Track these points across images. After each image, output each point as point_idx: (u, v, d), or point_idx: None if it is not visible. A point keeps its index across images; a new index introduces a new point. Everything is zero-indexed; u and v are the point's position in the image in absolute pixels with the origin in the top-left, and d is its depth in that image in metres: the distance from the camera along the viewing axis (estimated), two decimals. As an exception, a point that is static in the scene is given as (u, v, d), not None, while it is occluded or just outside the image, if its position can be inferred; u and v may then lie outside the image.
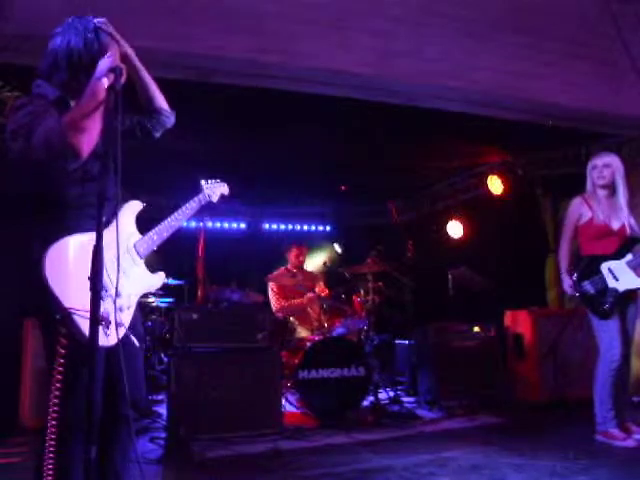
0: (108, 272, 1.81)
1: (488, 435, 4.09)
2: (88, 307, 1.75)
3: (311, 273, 6.00)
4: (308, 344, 4.76)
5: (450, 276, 6.12)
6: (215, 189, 2.62)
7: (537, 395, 4.97)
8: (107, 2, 3.26)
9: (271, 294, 5.74)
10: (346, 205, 8.53)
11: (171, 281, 5.49)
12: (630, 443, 3.61)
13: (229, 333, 4.27)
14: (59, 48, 1.97)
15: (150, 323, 5.27)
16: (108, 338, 1.85)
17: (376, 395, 4.78)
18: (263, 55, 3.57)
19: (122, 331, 1.95)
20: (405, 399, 5.26)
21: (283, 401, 4.38)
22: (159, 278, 2.24)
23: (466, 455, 3.50)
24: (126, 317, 2.00)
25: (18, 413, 4.22)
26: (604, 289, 3.77)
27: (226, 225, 8.32)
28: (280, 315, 5.50)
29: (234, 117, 4.89)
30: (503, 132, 5.25)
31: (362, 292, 5.25)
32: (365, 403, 4.80)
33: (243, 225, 8.42)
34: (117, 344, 1.88)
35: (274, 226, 8.63)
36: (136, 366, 2.08)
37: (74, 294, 1.80)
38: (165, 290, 5.53)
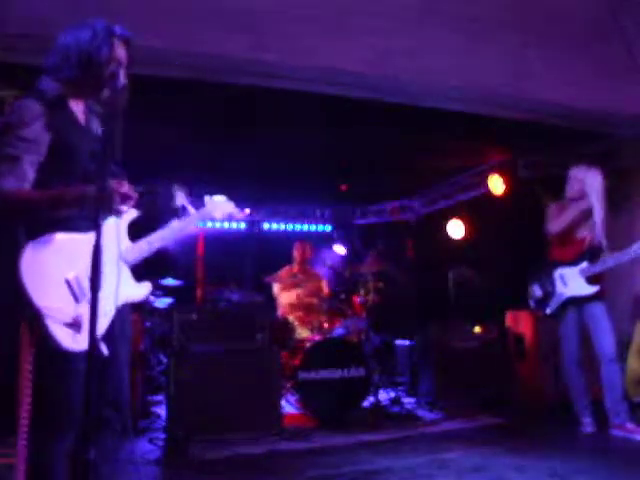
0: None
1: (489, 436, 4.08)
2: (61, 309, 1.78)
3: (314, 273, 5.98)
4: (308, 344, 4.74)
5: (450, 276, 6.11)
6: (219, 206, 2.47)
7: (538, 396, 4.95)
8: (107, 2, 3.26)
9: (276, 294, 5.76)
10: (346, 205, 8.51)
11: (170, 281, 5.47)
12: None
13: (228, 333, 4.26)
14: (68, 45, 1.95)
15: (149, 323, 5.24)
16: (79, 343, 1.79)
17: (376, 396, 4.77)
18: (263, 53, 3.56)
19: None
20: (405, 400, 5.23)
21: (283, 402, 4.37)
22: (143, 289, 2.15)
23: (466, 456, 3.48)
24: (102, 323, 1.89)
25: (16, 413, 4.20)
26: (551, 293, 3.99)
27: (226, 225, 8.30)
28: (287, 314, 5.50)
29: (234, 117, 4.88)
30: (504, 131, 5.24)
31: (362, 292, 5.24)
32: (365, 404, 4.78)
33: (243, 225, 8.40)
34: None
35: (274, 226, 8.61)
36: (116, 374, 2.04)
37: (47, 295, 1.78)
38: (164, 290, 5.51)
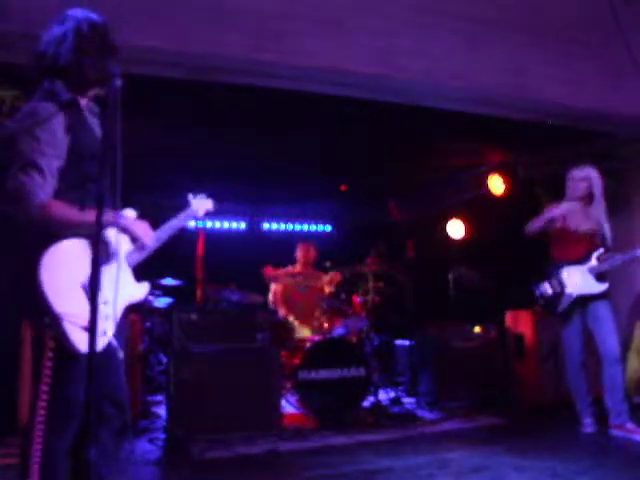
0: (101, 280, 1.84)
1: (489, 436, 4.08)
2: (78, 313, 1.81)
3: (316, 273, 5.98)
4: (308, 344, 4.74)
5: (450, 276, 6.10)
6: (201, 204, 2.59)
7: (538, 396, 4.95)
8: (106, 2, 3.25)
9: (271, 294, 5.76)
10: (346, 205, 8.51)
11: (170, 281, 5.47)
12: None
13: (228, 333, 4.26)
14: (39, 46, 1.96)
15: (149, 323, 5.24)
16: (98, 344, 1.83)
17: (376, 396, 4.77)
18: (263, 54, 3.55)
19: (105, 339, 1.95)
20: (405, 400, 5.24)
21: (283, 402, 4.36)
22: (143, 289, 2.21)
23: (466, 456, 3.49)
24: (110, 325, 1.98)
25: (17, 414, 4.20)
26: (560, 292, 3.99)
27: (226, 225, 8.30)
28: (282, 314, 5.50)
29: (234, 117, 4.88)
30: (504, 131, 5.23)
31: (362, 292, 5.24)
32: (365, 404, 4.78)
33: (243, 225, 8.40)
34: (102, 350, 1.90)
35: (274, 226, 8.61)
36: (118, 374, 2.09)
37: (65, 300, 1.81)
38: (164, 290, 5.50)
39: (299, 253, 5.95)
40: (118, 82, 1.76)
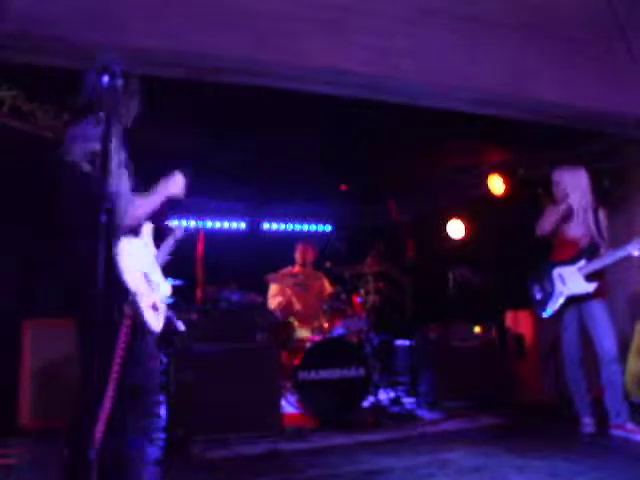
0: (153, 272, 2.43)
1: (489, 436, 4.08)
2: (145, 295, 2.27)
3: (315, 273, 5.98)
4: (308, 345, 4.74)
5: (450, 276, 6.10)
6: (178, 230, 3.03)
7: (538, 395, 4.96)
8: (106, 2, 3.26)
9: (270, 294, 5.75)
10: (346, 205, 8.50)
11: (170, 281, 5.46)
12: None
13: (228, 333, 4.26)
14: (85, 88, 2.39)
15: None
16: (159, 323, 2.39)
17: (376, 396, 4.77)
18: (262, 53, 3.56)
19: (163, 319, 2.47)
20: (405, 400, 5.24)
21: (283, 402, 4.36)
22: (169, 285, 2.68)
23: (467, 456, 3.48)
24: (164, 308, 2.51)
25: (16, 414, 4.20)
26: (551, 293, 4.01)
27: (226, 225, 8.29)
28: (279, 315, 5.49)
29: (234, 117, 4.88)
30: (504, 131, 5.23)
31: (362, 292, 5.24)
32: (365, 404, 4.78)
33: (243, 225, 8.39)
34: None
35: (274, 226, 8.60)
36: None
37: (136, 284, 2.25)
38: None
39: (297, 254, 5.96)
40: (119, 81, 1.78)
